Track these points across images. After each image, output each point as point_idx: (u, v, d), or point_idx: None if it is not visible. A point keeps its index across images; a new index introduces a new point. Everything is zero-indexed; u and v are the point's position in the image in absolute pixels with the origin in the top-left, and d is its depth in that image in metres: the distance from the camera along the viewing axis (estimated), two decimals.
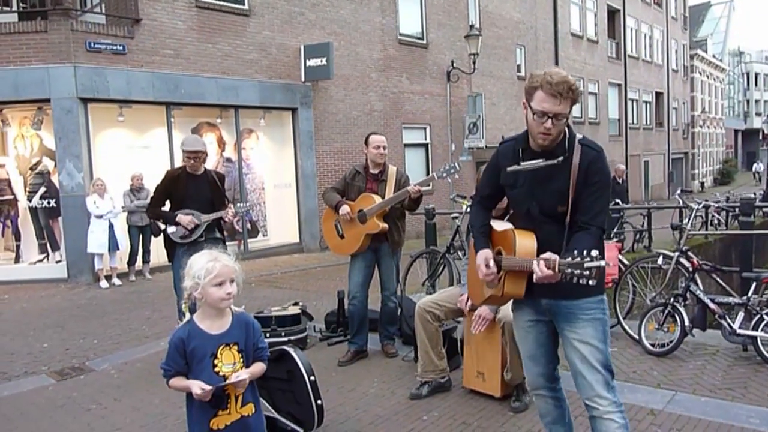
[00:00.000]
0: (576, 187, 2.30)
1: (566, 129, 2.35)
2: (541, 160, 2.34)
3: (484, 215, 2.65)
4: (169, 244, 4.88)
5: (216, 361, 2.31)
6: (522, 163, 2.39)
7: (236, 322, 2.39)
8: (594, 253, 2.01)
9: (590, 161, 2.32)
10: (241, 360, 2.36)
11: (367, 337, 4.91)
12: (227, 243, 5.89)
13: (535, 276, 2.18)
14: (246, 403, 2.38)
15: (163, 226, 4.94)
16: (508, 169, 2.43)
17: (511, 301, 2.63)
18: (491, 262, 2.43)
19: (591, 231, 2.29)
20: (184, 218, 4.71)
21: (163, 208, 4.89)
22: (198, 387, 2.23)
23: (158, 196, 4.91)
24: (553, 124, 2.25)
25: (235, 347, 2.35)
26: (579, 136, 2.38)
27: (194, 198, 4.79)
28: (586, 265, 2.01)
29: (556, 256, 2.13)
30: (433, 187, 4.62)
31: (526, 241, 2.36)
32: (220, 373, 2.31)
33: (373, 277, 4.86)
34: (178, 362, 2.31)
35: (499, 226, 2.56)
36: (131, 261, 9.10)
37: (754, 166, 35.77)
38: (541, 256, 2.19)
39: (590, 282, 2.01)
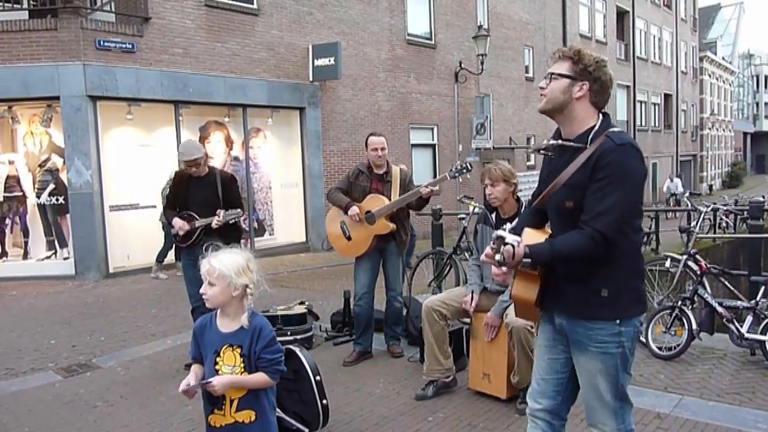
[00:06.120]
0: (574, 179, 2.05)
1: (597, 121, 2.11)
2: (557, 141, 2.18)
3: (526, 218, 2.42)
4: (176, 245, 5.02)
5: (218, 359, 2.31)
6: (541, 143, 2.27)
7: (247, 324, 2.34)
8: (510, 239, 1.92)
9: (601, 152, 2.00)
10: (242, 365, 2.30)
11: (372, 338, 4.91)
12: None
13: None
14: (242, 409, 2.31)
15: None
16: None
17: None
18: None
19: (583, 231, 1.98)
20: (177, 222, 4.62)
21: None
22: (184, 383, 2.29)
23: (170, 197, 4.92)
24: (547, 84, 2.15)
25: (239, 350, 2.30)
26: (614, 129, 2.08)
27: (195, 200, 4.67)
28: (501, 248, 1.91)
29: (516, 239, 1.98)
30: (440, 187, 4.57)
31: (534, 235, 2.18)
32: (219, 372, 2.30)
33: (378, 277, 4.85)
34: (195, 348, 2.39)
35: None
36: (160, 258, 9.16)
37: (667, 182, 23.04)
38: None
39: (497, 257, 1.91)
